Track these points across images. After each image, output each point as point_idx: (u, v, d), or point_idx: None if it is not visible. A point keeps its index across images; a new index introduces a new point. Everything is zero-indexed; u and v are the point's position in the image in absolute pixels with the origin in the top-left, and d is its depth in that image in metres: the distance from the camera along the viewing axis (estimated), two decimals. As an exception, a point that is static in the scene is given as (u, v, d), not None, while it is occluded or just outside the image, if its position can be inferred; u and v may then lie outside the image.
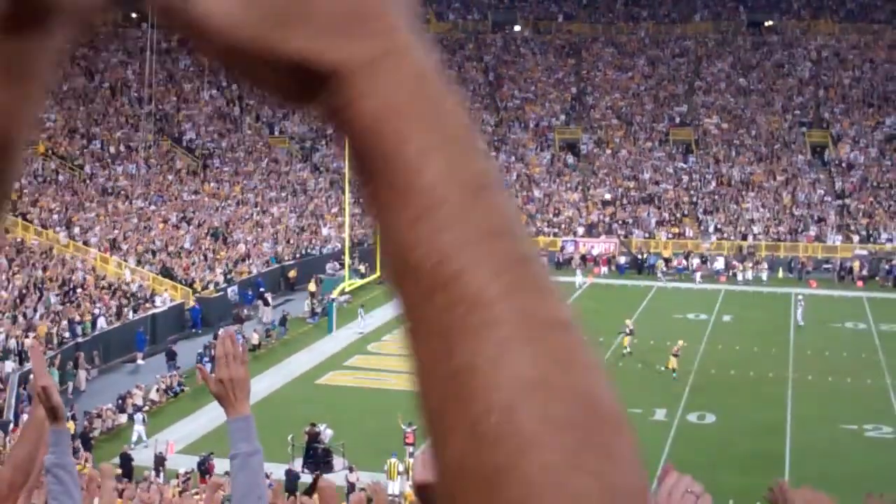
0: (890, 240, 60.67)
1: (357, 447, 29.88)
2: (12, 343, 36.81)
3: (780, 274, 58.56)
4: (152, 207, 56.05)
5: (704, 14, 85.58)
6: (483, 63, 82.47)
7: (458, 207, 0.72)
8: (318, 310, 48.48)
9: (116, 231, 51.29)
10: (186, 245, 52.44)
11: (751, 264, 58.64)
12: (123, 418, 34.40)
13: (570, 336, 0.72)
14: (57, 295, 42.28)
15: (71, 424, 27.86)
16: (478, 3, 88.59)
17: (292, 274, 53.87)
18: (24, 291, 41.78)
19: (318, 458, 29.40)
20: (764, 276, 57.69)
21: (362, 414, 33.80)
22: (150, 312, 44.08)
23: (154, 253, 50.09)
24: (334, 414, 32.70)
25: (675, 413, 35.38)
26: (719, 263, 59.04)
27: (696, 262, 59.07)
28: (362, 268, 55.33)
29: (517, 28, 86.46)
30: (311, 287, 50.46)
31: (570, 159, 71.87)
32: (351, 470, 28.08)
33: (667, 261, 59.55)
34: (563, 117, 76.18)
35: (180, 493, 24.23)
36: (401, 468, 28.25)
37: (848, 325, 48.03)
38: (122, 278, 46.29)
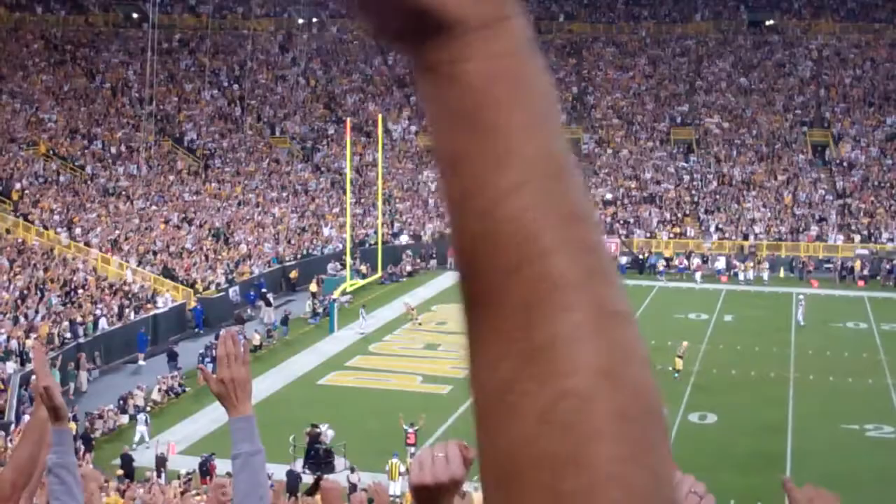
0: (891, 239, 60.64)
1: (358, 448, 29.87)
2: (13, 344, 36.82)
3: (782, 273, 58.56)
4: (153, 208, 56.06)
5: (705, 13, 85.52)
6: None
7: (546, 185, 0.72)
8: (320, 310, 48.47)
9: (118, 231, 51.30)
10: (188, 245, 52.45)
11: (752, 264, 58.63)
12: (125, 419, 34.41)
13: (631, 329, 0.73)
14: (58, 296, 42.29)
15: (72, 425, 27.86)
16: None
17: (293, 274, 53.87)
18: (25, 292, 41.80)
19: (319, 459, 29.37)
20: (765, 275, 57.66)
21: (364, 414, 33.80)
22: (151, 313, 44.07)
23: (155, 253, 50.10)
24: (335, 414, 32.68)
25: (676, 413, 35.34)
26: (720, 263, 59.03)
27: (696, 261, 59.06)
28: (364, 268, 55.36)
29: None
30: (313, 287, 50.45)
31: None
32: (352, 470, 28.08)
33: (668, 260, 59.55)
34: (564, 117, 76.12)
35: (182, 493, 24.23)
36: (402, 469, 28.25)
37: (849, 325, 48.01)
38: (123, 279, 46.29)
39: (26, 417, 28.87)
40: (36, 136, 59.45)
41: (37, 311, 40.35)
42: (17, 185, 52.30)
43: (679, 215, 65.10)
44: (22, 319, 39.33)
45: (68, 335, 39.24)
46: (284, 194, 63.47)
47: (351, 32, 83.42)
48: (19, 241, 47.16)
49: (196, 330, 45.20)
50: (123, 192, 56.42)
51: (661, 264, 58.85)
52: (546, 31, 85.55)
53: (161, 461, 29.38)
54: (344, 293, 50.14)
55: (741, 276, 57.76)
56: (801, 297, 50.11)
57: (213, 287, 48.50)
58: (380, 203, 57.91)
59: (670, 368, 39.34)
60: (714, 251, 61.06)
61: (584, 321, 0.70)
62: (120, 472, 28.29)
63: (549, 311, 0.70)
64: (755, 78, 77.93)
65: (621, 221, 64.53)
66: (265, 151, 68.94)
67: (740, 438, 32.26)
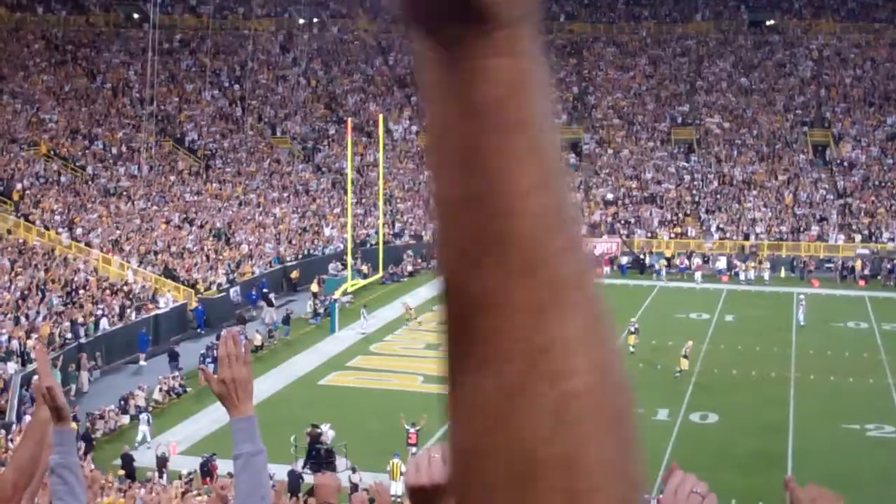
0: (892, 239, 60.63)
1: (360, 448, 29.87)
2: (14, 344, 36.82)
3: (783, 273, 58.55)
4: (154, 208, 56.07)
5: (706, 13, 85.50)
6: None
7: (558, 185, 0.75)
8: (321, 310, 48.47)
9: (119, 232, 51.30)
10: (189, 246, 52.46)
11: (753, 264, 58.62)
12: (126, 419, 34.42)
13: (613, 327, 0.77)
14: (59, 296, 42.30)
15: (73, 425, 27.89)
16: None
17: (295, 274, 53.86)
18: (26, 292, 41.81)
19: (320, 459, 29.39)
20: (766, 275, 57.65)
21: (365, 414, 33.80)
22: (152, 313, 44.07)
23: (156, 254, 50.11)
24: (337, 414, 32.68)
25: (677, 413, 35.36)
26: (721, 263, 59.02)
27: (697, 261, 59.04)
28: (365, 268, 55.37)
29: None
30: (314, 287, 50.45)
31: (572, 159, 71.84)
32: (354, 471, 28.08)
33: (669, 260, 59.55)
34: (564, 117, 76.11)
35: (182, 493, 24.24)
36: (403, 469, 28.24)
37: (850, 325, 48.00)
38: (124, 279, 46.30)
39: (27, 418, 28.88)
40: (37, 136, 59.47)
41: (38, 312, 40.36)
42: (18, 186, 52.30)
43: (680, 215, 65.10)
44: (23, 320, 39.33)
45: (69, 335, 39.24)
46: (285, 194, 63.47)
47: (352, 32, 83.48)
48: (20, 241, 47.17)
49: (197, 330, 45.22)
50: (124, 193, 56.42)
51: (662, 264, 58.83)
52: (547, 31, 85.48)
53: (162, 461, 29.38)
54: (345, 293, 50.15)
55: (742, 276, 57.75)
56: (802, 296, 50.11)
57: (214, 287, 48.51)
58: (381, 203, 57.93)
59: (677, 368, 39.37)
60: (715, 251, 61.06)
61: (586, 321, 0.72)
62: (121, 472, 28.30)
63: (559, 312, 0.71)
64: (756, 78, 77.91)
65: (622, 221, 64.54)
66: (266, 152, 68.94)
67: (741, 438, 32.24)
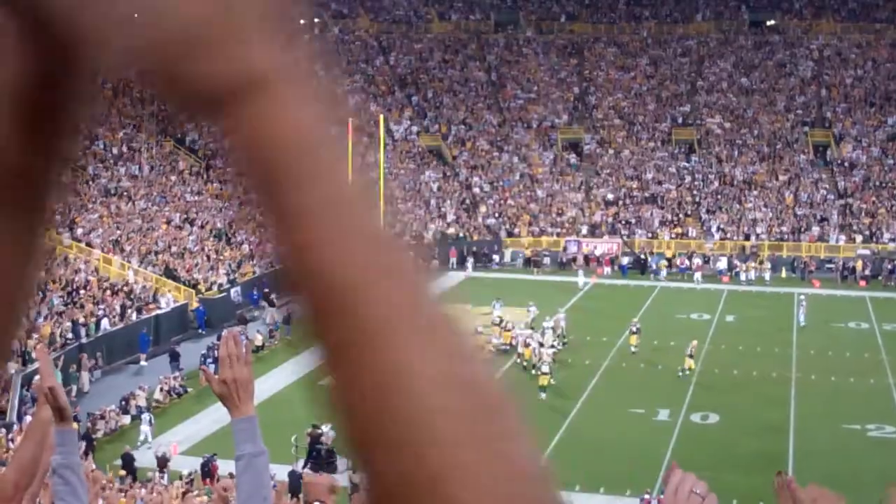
0: (893, 239, 60.62)
1: (360, 448, 29.83)
2: (15, 344, 36.73)
3: (783, 274, 58.52)
4: (155, 208, 56.08)
5: (706, 14, 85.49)
6: (486, 63, 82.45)
7: (370, 219, 0.77)
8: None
9: (119, 232, 51.31)
10: (189, 246, 52.46)
11: (754, 264, 58.61)
12: (127, 419, 34.43)
13: (461, 330, 0.76)
14: (60, 296, 42.29)
15: (74, 425, 27.89)
16: (480, 4, 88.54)
17: (295, 275, 53.80)
18: (27, 293, 41.74)
19: (320, 460, 29.39)
20: (767, 275, 57.63)
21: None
22: (153, 314, 44.07)
23: (157, 254, 50.11)
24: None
25: (678, 413, 35.37)
26: (722, 263, 59.00)
27: (697, 262, 59.01)
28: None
29: (520, 28, 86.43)
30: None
31: (573, 159, 71.86)
32: (354, 471, 27.94)
33: (669, 260, 59.53)
34: (565, 117, 76.16)
35: (183, 494, 24.24)
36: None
37: (851, 325, 48.00)
38: (125, 279, 46.30)
39: (28, 418, 28.89)
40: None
41: (38, 312, 40.33)
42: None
43: (681, 215, 65.09)
44: (23, 320, 39.24)
45: (70, 336, 39.25)
46: (286, 195, 63.41)
47: (353, 33, 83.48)
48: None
49: (198, 331, 45.20)
50: (125, 193, 56.44)
51: (662, 264, 58.82)
52: (548, 31, 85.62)
53: (163, 461, 29.39)
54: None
55: (743, 277, 57.73)
56: (803, 297, 50.13)
57: (214, 288, 48.51)
58: (381, 203, 57.83)
59: (682, 368, 39.40)
60: (716, 251, 61.04)
61: (415, 341, 0.72)
62: (122, 472, 28.31)
63: (387, 341, 0.71)
64: (756, 78, 77.90)
65: (623, 222, 64.53)
66: (267, 152, 68.91)
67: (742, 438, 32.25)
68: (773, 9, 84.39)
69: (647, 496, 27.20)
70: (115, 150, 61.29)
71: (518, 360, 39.90)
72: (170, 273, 48.48)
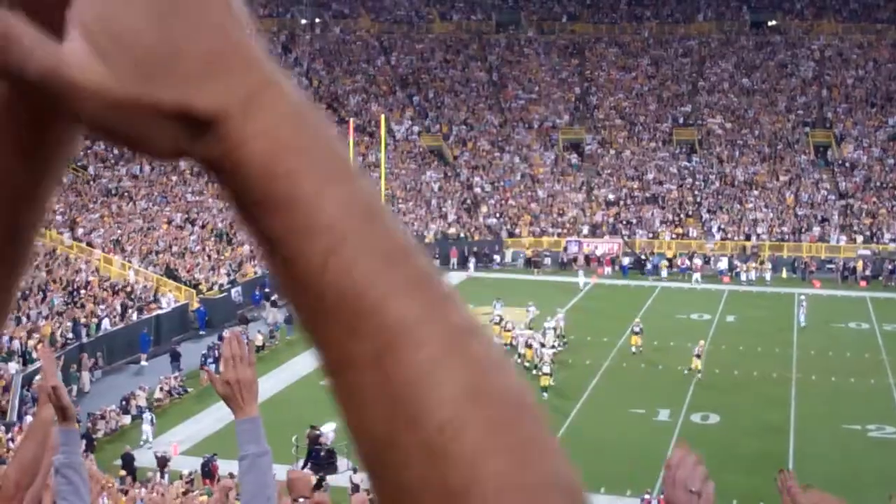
0: (893, 239, 60.62)
1: (361, 448, 29.83)
2: (16, 344, 36.84)
3: (784, 274, 58.52)
4: (156, 208, 56.12)
5: (708, 14, 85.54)
6: (487, 63, 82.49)
7: (361, 238, 0.72)
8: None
9: (120, 232, 51.35)
10: (190, 246, 52.49)
11: (754, 264, 58.62)
12: (127, 419, 34.45)
13: (482, 339, 0.74)
14: (61, 296, 42.32)
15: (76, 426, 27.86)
16: (482, 4, 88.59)
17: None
18: (27, 292, 41.82)
19: (321, 460, 29.41)
20: (767, 276, 57.65)
21: (366, 414, 33.77)
22: (154, 314, 44.08)
23: (158, 254, 50.14)
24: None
25: (678, 413, 35.40)
26: (723, 264, 59.01)
27: (697, 262, 59.01)
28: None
29: (521, 28, 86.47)
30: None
31: (574, 159, 71.89)
32: (355, 471, 28.07)
33: (670, 261, 59.55)
34: (566, 117, 76.19)
35: (184, 493, 24.26)
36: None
37: (851, 326, 48.02)
38: (126, 279, 46.33)
39: (29, 418, 28.91)
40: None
41: (39, 312, 40.39)
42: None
43: (681, 216, 65.11)
44: (24, 320, 39.36)
45: (71, 335, 39.27)
46: (287, 195, 63.43)
47: (354, 33, 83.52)
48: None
49: (199, 332, 45.19)
50: (126, 193, 56.49)
51: (664, 264, 58.83)
52: (549, 31, 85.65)
53: (163, 461, 29.41)
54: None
55: (743, 277, 57.74)
56: (804, 297, 50.15)
57: (215, 288, 48.53)
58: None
59: (689, 368, 39.42)
60: (716, 252, 61.04)
61: (437, 352, 0.70)
62: (122, 472, 28.32)
63: (398, 357, 0.70)
64: (757, 78, 77.93)
65: (624, 222, 64.54)
66: (268, 152, 68.94)
67: (743, 439, 32.28)
68: (774, 9, 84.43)
69: (647, 496, 27.23)
70: (115, 150, 61.33)
71: (519, 361, 39.93)
72: (170, 273, 48.50)
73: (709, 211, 65.46)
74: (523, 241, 62.87)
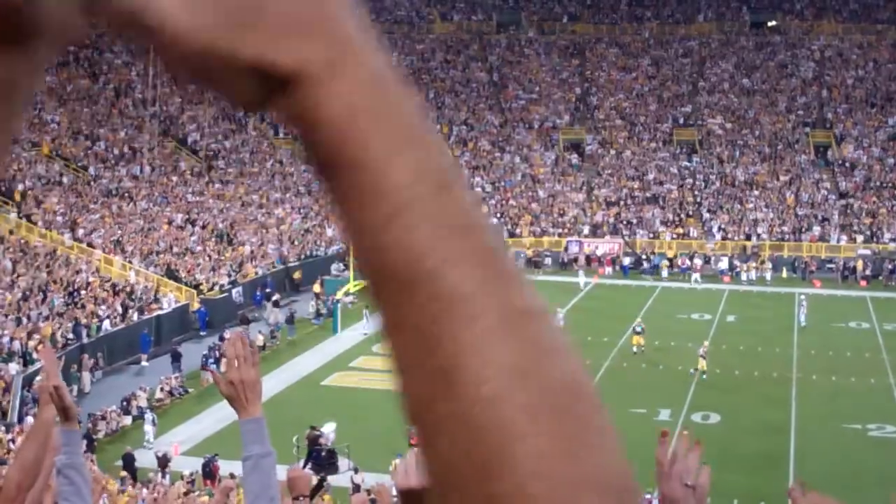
0: (893, 239, 60.63)
1: (362, 448, 29.89)
2: (16, 345, 36.83)
3: (784, 274, 58.52)
4: (157, 209, 56.08)
5: (708, 14, 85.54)
6: (488, 63, 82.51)
7: (427, 205, 0.72)
8: (323, 311, 48.49)
9: (121, 232, 51.32)
10: (191, 246, 52.47)
11: (755, 264, 58.63)
12: (128, 420, 34.44)
13: (544, 323, 0.74)
14: (61, 297, 42.30)
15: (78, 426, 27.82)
16: (482, 4, 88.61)
17: (297, 275, 53.88)
18: (28, 293, 41.81)
19: (321, 460, 29.40)
20: (768, 276, 57.66)
21: (367, 415, 33.77)
22: (154, 314, 44.08)
23: (158, 254, 50.12)
24: (339, 415, 32.70)
25: (679, 413, 35.39)
26: (723, 263, 59.02)
27: (697, 262, 59.02)
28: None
29: (521, 29, 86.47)
30: (316, 288, 50.47)
31: (575, 160, 71.90)
32: (356, 471, 28.10)
33: (671, 261, 59.56)
34: (567, 117, 76.20)
35: (185, 493, 24.26)
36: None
37: (852, 325, 48.03)
38: (126, 280, 46.32)
39: (29, 419, 28.92)
40: (39, 137, 59.46)
41: (40, 313, 40.38)
42: (20, 186, 52.27)
43: (682, 216, 65.12)
44: (25, 320, 39.34)
45: (71, 336, 39.25)
46: (288, 195, 63.49)
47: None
48: (22, 241, 47.18)
49: (200, 333, 45.17)
50: (127, 193, 56.44)
51: (664, 264, 58.84)
52: (549, 31, 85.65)
53: (163, 462, 29.41)
54: (347, 294, 50.15)
55: (744, 277, 57.75)
56: (804, 297, 50.16)
57: (216, 288, 48.52)
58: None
59: (695, 369, 39.41)
60: (717, 252, 61.05)
61: (491, 327, 0.71)
62: (123, 472, 28.31)
63: (449, 328, 0.70)
64: (758, 79, 77.94)
65: (624, 222, 64.55)
66: (269, 152, 68.99)
67: (743, 438, 32.28)
68: (774, 10, 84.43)
69: (647, 496, 27.21)
70: (116, 151, 61.32)
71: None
72: (171, 273, 48.50)
73: (709, 211, 65.47)
74: (524, 241, 62.84)
